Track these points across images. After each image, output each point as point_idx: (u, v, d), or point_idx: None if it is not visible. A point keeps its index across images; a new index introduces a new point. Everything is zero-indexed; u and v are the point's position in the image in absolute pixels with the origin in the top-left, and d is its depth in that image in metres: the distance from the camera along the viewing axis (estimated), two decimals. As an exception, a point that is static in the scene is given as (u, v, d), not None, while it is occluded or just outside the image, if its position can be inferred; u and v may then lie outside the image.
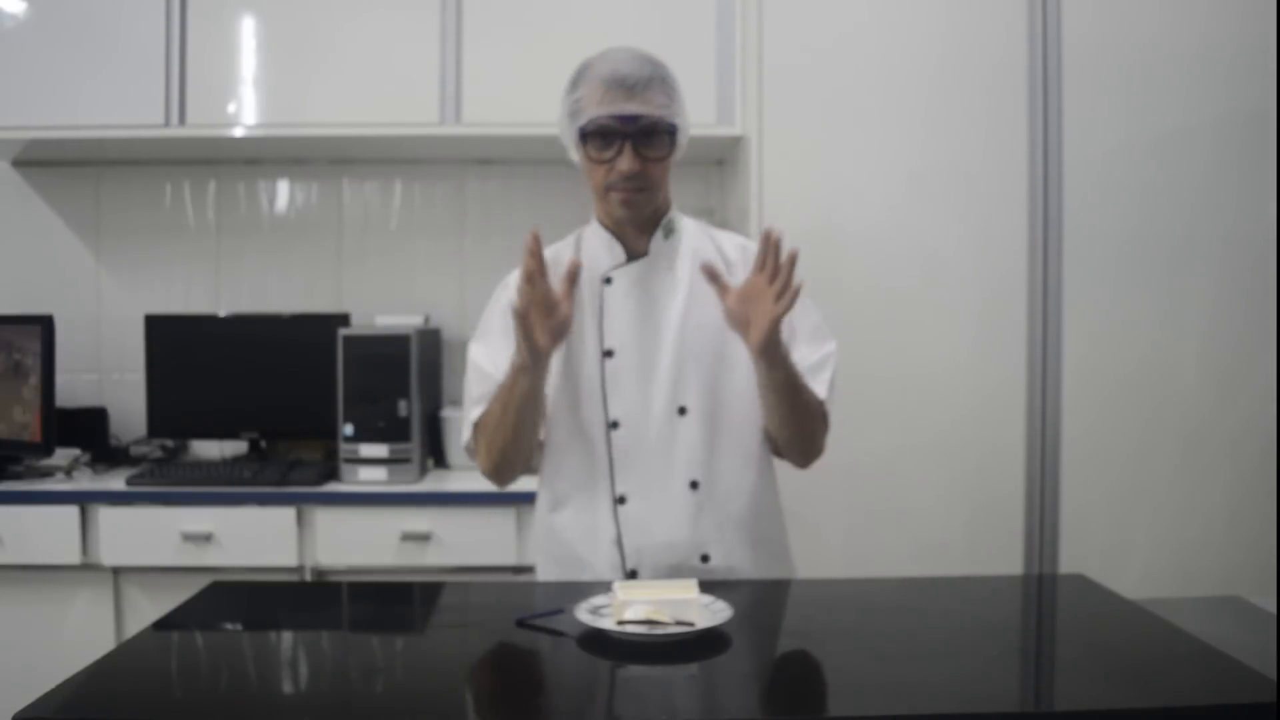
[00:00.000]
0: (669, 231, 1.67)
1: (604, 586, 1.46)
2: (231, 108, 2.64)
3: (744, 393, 1.63)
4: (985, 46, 2.49)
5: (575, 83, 1.60)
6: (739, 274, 1.63)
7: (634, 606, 1.31)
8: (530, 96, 2.60)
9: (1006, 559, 2.50)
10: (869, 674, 1.23)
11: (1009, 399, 2.51)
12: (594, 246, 1.68)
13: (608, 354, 1.62)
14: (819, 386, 1.62)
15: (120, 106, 2.61)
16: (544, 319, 1.51)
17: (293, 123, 2.65)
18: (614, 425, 1.61)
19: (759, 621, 1.48)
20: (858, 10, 2.50)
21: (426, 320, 2.82)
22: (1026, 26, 2.48)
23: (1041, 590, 1.78)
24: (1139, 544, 2.49)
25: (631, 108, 1.54)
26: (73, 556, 2.44)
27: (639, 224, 1.65)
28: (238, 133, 2.65)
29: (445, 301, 2.98)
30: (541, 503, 1.71)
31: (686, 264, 1.65)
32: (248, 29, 2.64)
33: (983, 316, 2.51)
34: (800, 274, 1.48)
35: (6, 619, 2.45)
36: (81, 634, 2.43)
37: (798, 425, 1.61)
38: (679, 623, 1.31)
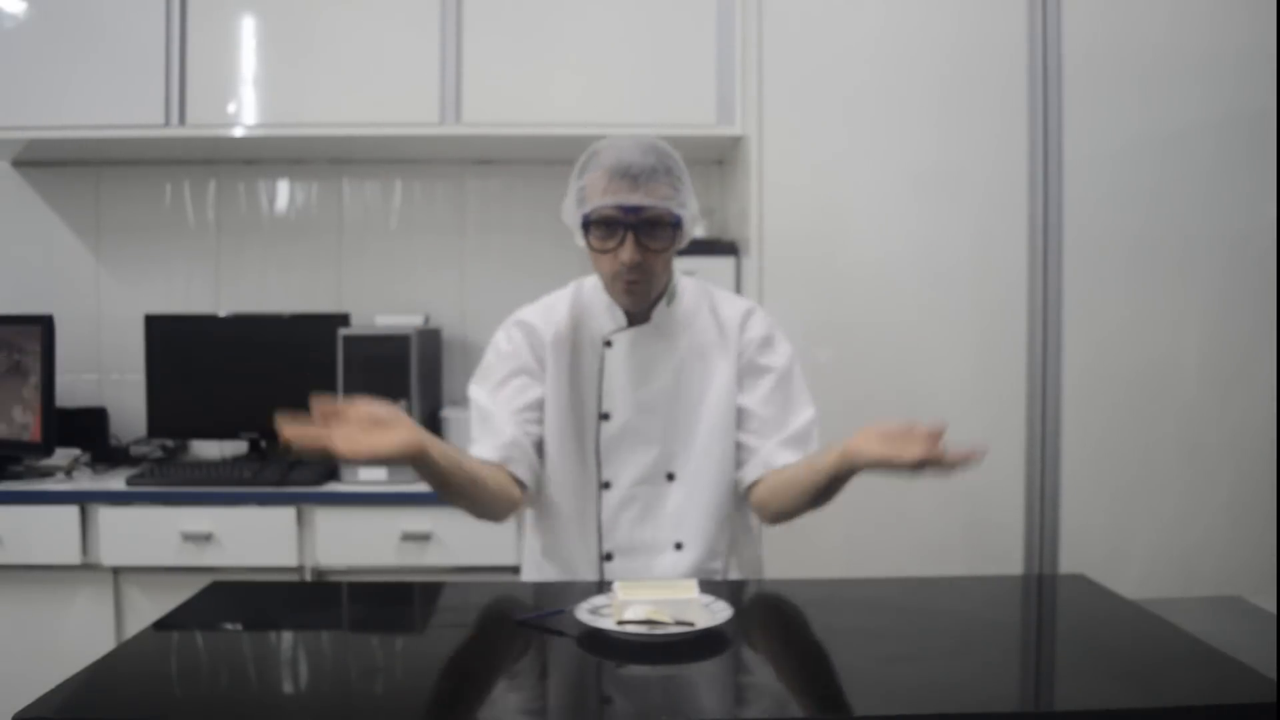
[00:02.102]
0: (671, 298, 1.68)
1: (604, 586, 1.46)
2: (231, 108, 2.64)
3: (720, 459, 1.66)
4: (986, 48, 2.49)
5: (581, 169, 1.59)
6: (732, 341, 1.67)
7: (634, 606, 1.31)
8: (530, 96, 2.60)
9: (1006, 559, 2.50)
10: (870, 674, 1.23)
11: (1009, 399, 2.50)
12: (595, 305, 1.68)
13: (604, 417, 1.64)
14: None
15: (120, 106, 2.60)
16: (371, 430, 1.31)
17: (292, 123, 2.64)
18: (606, 486, 1.65)
19: (759, 621, 1.49)
20: (858, 10, 2.50)
21: (426, 320, 2.82)
22: (1027, 28, 2.48)
23: (1041, 590, 1.78)
24: (1139, 544, 2.49)
25: (635, 199, 1.53)
26: (73, 556, 2.44)
27: (640, 309, 1.66)
28: (238, 133, 2.65)
29: (445, 301, 2.98)
30: (532, 548, 1.75)
31: (683, 332, 1.67)
32: (248, 29, 2.64)
33: (983, 316, 2.51)
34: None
35: (6, 619, 2.45)
36: (81, 634, 2.43)
37: (812, 509, 1.63)
38: (679, 623, 1.31)
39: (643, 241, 1.55)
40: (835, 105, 2.49)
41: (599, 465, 1.65)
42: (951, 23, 2.50)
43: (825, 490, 1.55)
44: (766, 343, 1.68)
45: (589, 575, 1.66)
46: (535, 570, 1.75)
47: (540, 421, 1.65)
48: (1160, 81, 2.48)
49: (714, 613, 1.34)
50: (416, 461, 1.38)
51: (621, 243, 1.55)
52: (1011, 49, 2.48)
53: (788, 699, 1.22)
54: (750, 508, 1.70)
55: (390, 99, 2.62)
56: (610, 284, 1.62)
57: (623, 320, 1.66)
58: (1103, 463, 2.49)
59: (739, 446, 1.66)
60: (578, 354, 1.66)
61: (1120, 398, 2.49)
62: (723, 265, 2.55)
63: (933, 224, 2.50)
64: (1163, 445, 2.50)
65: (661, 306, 1.66)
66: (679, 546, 1.65)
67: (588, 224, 1.57)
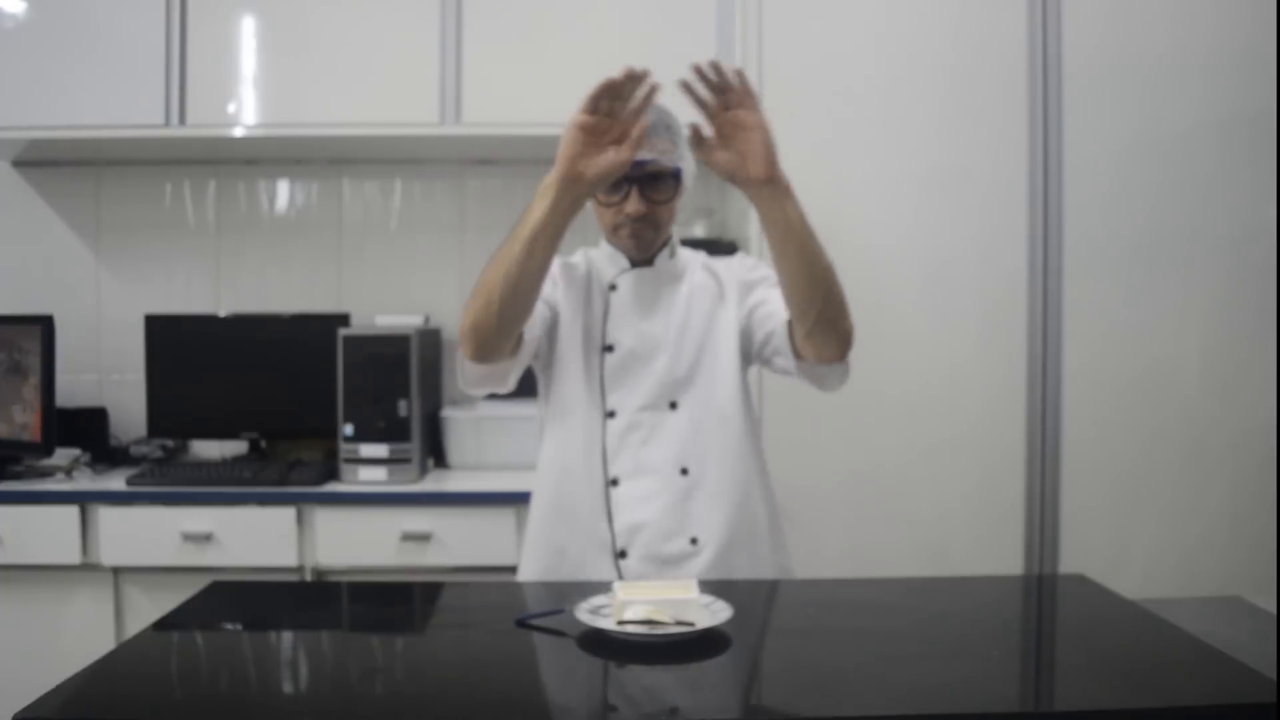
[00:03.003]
0: (673, 251, 1.77)
1: (604, 586, 1.46)
2: (231, 108, 2.64)
3: (726, 394, 1.71)
4: (986, 48, 2.49)
5: None
6: (733, 281, 1.75)
7: (634, 606, 1.31)
8: (530, 96, 2.60)
9: (1006, 559, 2.50)
10: (869, 674, 1.23)
11: (1010, 399, 2.51)
12: (600, 258, 1.78)
13: (608, 349, 1.71)
14: None
15: (120, 106, 2.60)
16: (595, 150, 1.52)
17: (293, 123, 2.64)
18: (610, 414, 1.70)
19: (759, 621, 1.49)
20: (858, 11, 2.50)
21: (426, 320, 2.82)
22: (1027, 28, 2.48)
23: (1041, 590, 1.78)
24: (1139, 544, 2.49)
25: (638, 154, 1.57)
26: (73, 556, 2.44)
27: (645, 255, 1.74)
28: (238, 133, 2.65)
29: (445, 301, 2.97)
30: (544, 483, 1.76)
31: (685, 280, 1.76)
32: (247, 29, 2.64)
33: (984, 317, 2.51)
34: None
35: (6, 619, 2.45)
36: (81, 634, 2.43)
37: (820, 282, 1.54)
38: (679, 623, 1.31)
39: (647, 194, 1.66)
40: (835, 104, 2.49)
41: (604, 395, 1.69)
42: (952, 22, 2.50)
43: (791, 240, 1.51)
44: (759, 268, 1.77)
45: (597, 505, 1.67)
46: (540, 524, 1.74)
47: (540, 324, 1.67)
48: (1161, 82, 2.49)
49: (714, 613, 1.34)
50: (578, 199, 1.52)
51: (626, 196, 1.65)
52: (1012, 49, 2.49)
53: (788, 699, 1.22)
54: (814, 373, 1.66)
55: (390, 99, 2.62)
56: (614, 233, 1.71)
57: (626, 265, 1.74)
58: (1103, 463, 2.49)
59: (766, 341, 1.68)
60: (588, 297, 1.74)
61: (1120, 398, 2.50)
62: (723, 265, 2.55)
63: (933, 223, 2.50)
64: (1163, 445, 2.50)
65: (664, 256, 1.75)
66: (684, 472, 1.68)
67: None
